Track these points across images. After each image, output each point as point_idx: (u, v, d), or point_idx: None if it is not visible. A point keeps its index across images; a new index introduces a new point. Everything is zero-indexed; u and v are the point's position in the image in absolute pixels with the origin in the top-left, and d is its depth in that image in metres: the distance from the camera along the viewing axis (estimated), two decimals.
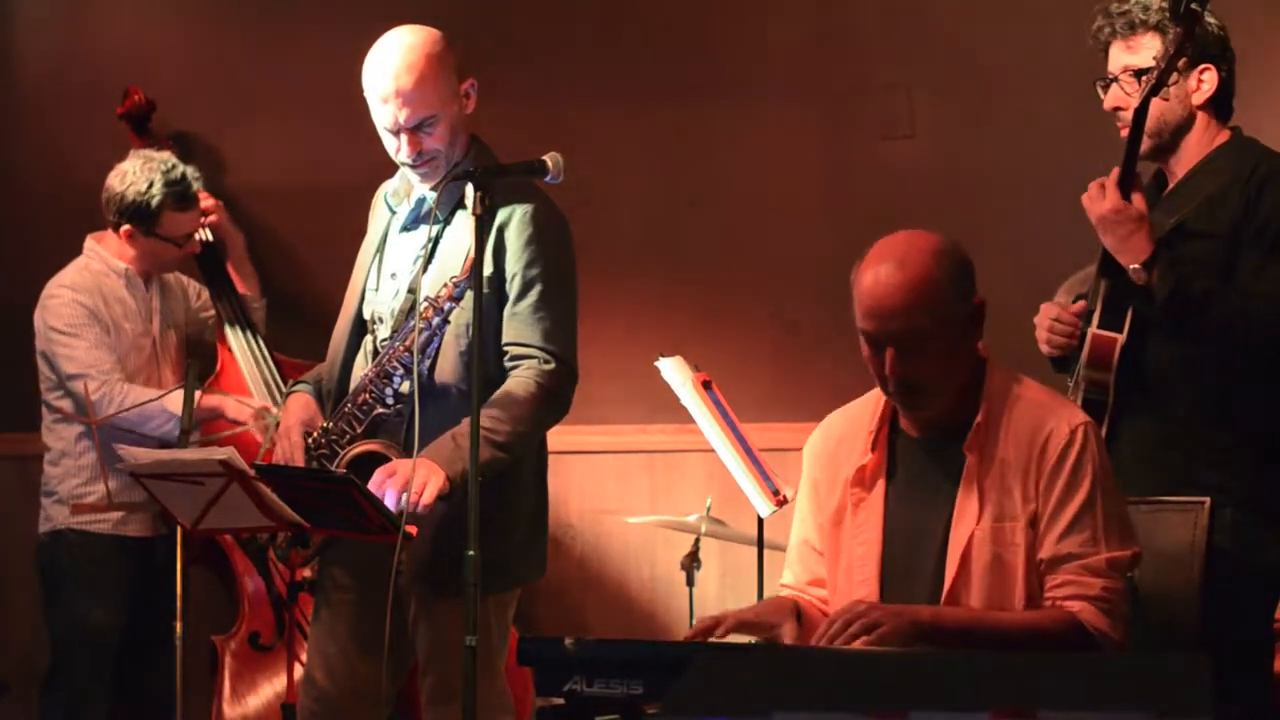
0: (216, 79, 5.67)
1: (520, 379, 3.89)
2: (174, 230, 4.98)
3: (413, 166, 3.99)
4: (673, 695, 2.20)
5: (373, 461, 3.88)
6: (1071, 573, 3.08)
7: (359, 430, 3.95)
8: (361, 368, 4.03)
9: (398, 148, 3.96)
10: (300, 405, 4.07)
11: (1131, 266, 3.58)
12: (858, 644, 2.99)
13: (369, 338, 4.05)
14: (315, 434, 4.00)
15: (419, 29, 3.98)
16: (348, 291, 4.13)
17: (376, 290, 4.07)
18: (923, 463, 3.22)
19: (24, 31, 5.80)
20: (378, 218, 4.15)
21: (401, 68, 3.91)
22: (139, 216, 4.94)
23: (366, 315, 4.07)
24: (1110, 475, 3.16)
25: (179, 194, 4.96)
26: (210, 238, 5.32)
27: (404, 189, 4.08)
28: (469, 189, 3.67)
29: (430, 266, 3.97)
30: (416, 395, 3.81)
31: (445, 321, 3.88)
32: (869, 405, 3.31)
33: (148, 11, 5.80)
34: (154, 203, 4.93)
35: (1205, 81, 3.71)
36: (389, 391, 3.92)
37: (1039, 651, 3.01)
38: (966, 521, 3.13)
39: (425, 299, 3.88)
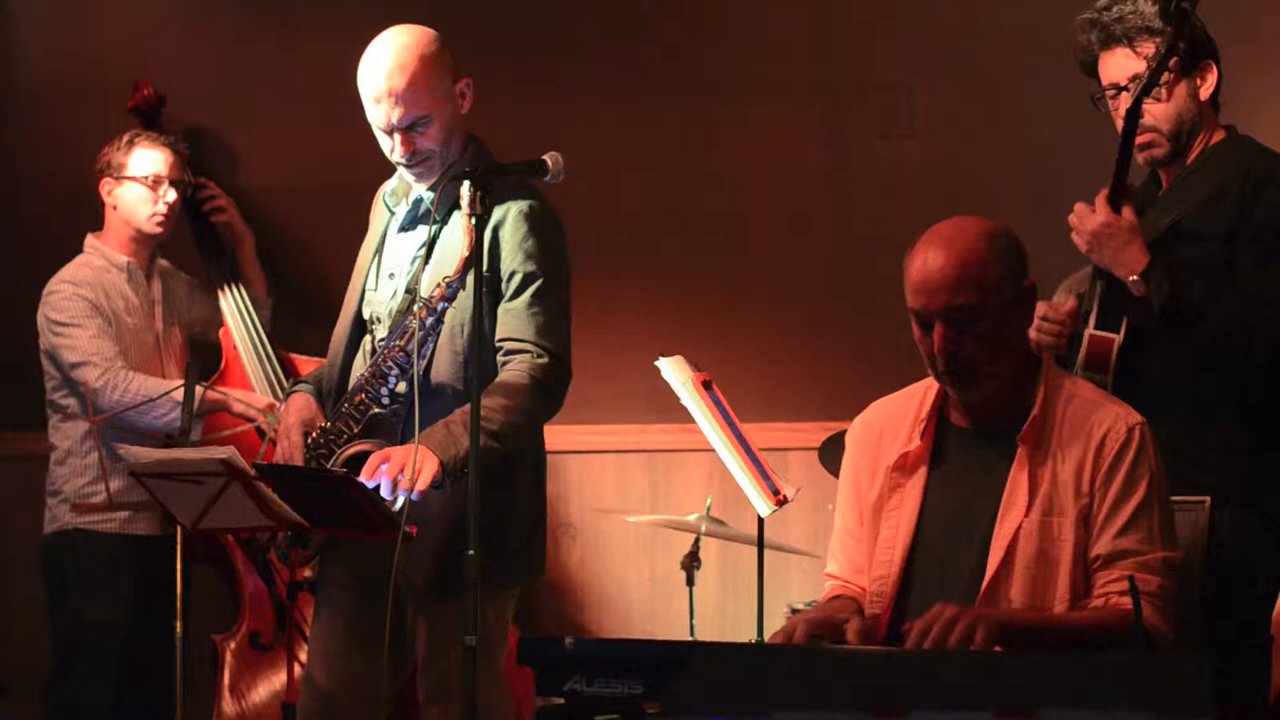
0: (226, 75, 5.66)
1: (514, 371, 3.89)
2: (140, 167, 5.03)
3: (407, 166, 4.00)
4: (673, 695, 2.20)
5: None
6: (1128, 569, 3.09)
7: (356, 430, 3.95)
8: (361, 367, 4.03)
9: (391, 148, 3.97)
10: (300, 405, 4.07)
11: (1130, 279, 3.58)
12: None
13: (368, 338, 4.06)
14: (314, 434, 4.01)
15: (413, 28, 3.99)
16: (348, 291, 4.14)
17: (375, 290, 4.07)
18: (971, 453, 3.25)
19: (26, 28, 5.79)
20: (377, 218, 4.16)
21: (394, 68, 3.92)
22: (113, 163, 5.03)
23: (366, 315, 4.08)
24: (1163, 477, 3.19)
25: (146, 135, 5.09)
26: (192, 178, 5.28)
27: (402, 189, 4.09)
28: (464, 188, 3.67)
29: (429, 266, 3.97)
30: (417, 395, 3.81)
31: (439, 321, 3.88)
32: (915, 395, 3.34)
33: (153, 9, 5.79)
34: (123, 143, 5.05)
35: (1208, 78, 3.71)
36: (384, 391, 3.92)
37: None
38: (1015, 513, 3.16)
39: (419, 299, 3.89)
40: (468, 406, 3.70)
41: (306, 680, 4.07)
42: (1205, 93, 3.72)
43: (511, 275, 3.93)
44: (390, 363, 3.91)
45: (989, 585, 3.14)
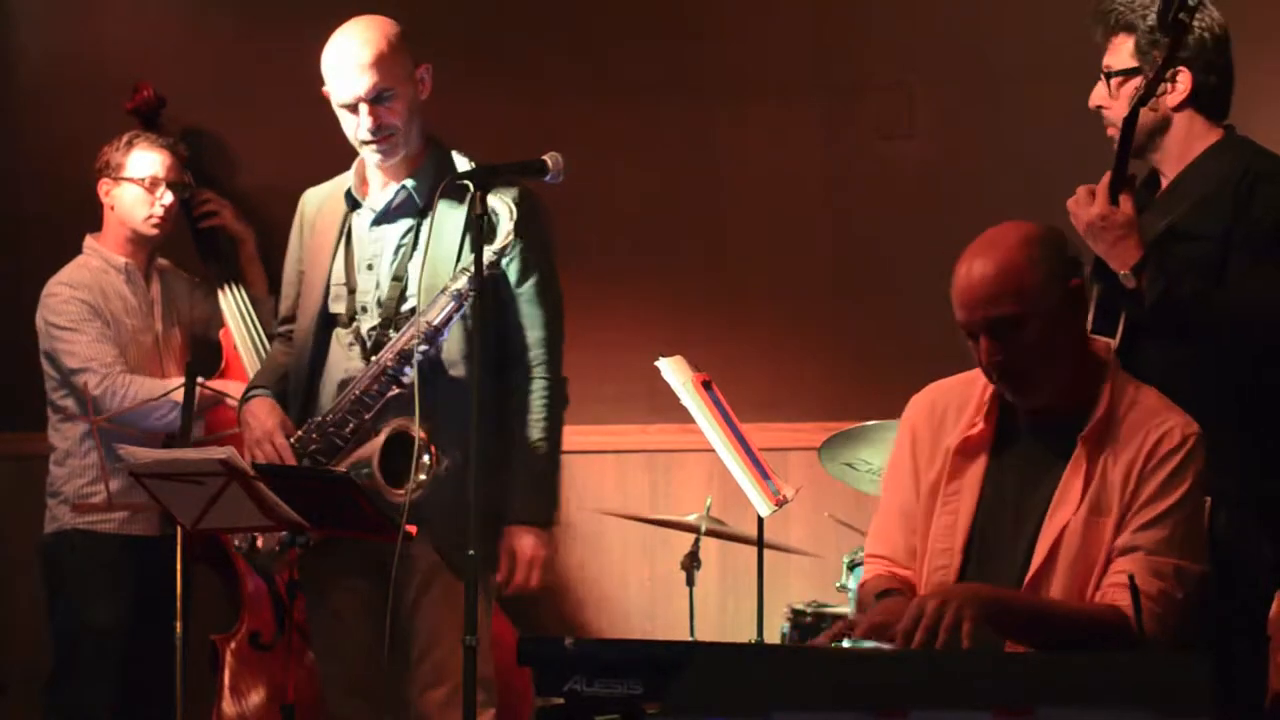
0: (226, 75, 5.64)
1: (536, 422, 4.10)
2: (138, 168, 5.04)
3: (373, 141, 4.09)
4: (673, 695, 2.20)
5: (404, 443, 3.97)
6: (1135, 565, 3.09)
7: (367, 417, 4.02)
8: (343, 361, 4.11)
9: (357, 124, 4.09)
10: (269, 408, 4.15)
11: (1121, 272, 3.59)
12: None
13: (342, 331, 4.14)
14: (302, 432, 4.08)
15: (374, 16, 4.17)
16: (303, 293, 4.21)
17: (347, 284, 4.15)
18: (1031, 445, 3.25)
19: (26, 28, 5.79)
20: (329, 216, 4.22)
21: (360, 42, 4.09)
22: (111, 163, 5.03)
23: (338, 310, 4.15)
24: (1203, 491, 3.19)
25: (145, 136, 5.11)
26: (191, 181, 5.30)
27: (358, 184, 4.18)
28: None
29: (416, 254, 4.07)
30: (417, 383, 3.87)
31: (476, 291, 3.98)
32: (978, 380, 3.32)
33: (153, 9, 5.78)
34: (123, 143, 5.06)
35: (1179, 84, 3.71)
36: (407, 370, 3.99)
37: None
38: (1064, 510, 3.16)
39: (461, 268, 3.99)
40: (536, 464, 4.07)
41: (327, 681, 4.17)
42: (1174, 99, 3.72)
43: (510, 262, 4.07)
44: (417, 339, 3.98)
45: (1031, 580, 3.14)
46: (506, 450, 4.08)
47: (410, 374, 3.98)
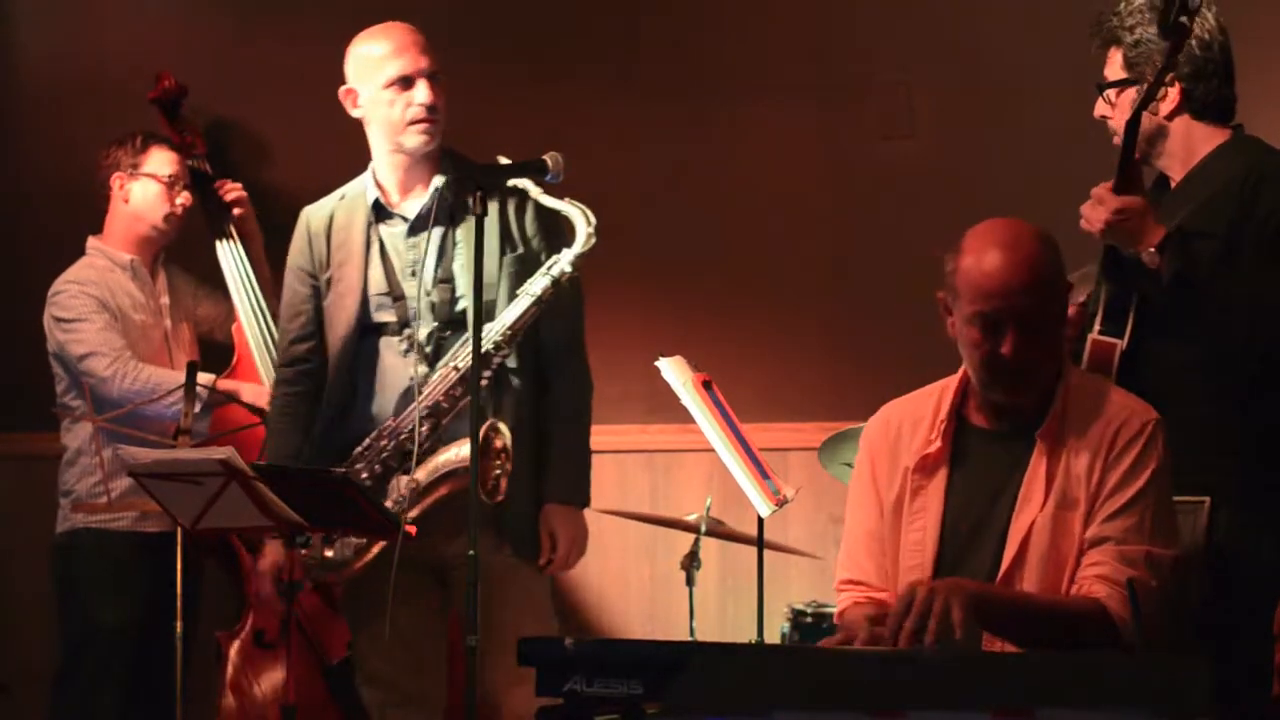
0: (227, 75, 5.65)
1: (571, 407, 4.29)
2: (158, 166, 5.07)
3: (425, 119, 4.11)
4: (673, 695, 2.20)
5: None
6: (1106, 555, 3.11)
7: (444, 422, 4.07)
8: (402, 368, 4.12)
9: (409, 100, 4.10)
10: None
11: (1146, 251, 3.58)
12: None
13: (393, 339, 4.15)
14: (369, 441, 4.10)
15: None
16: (333, 305, 4.20)
17: (391, 292, 4.15)
18: (989, 453, 3.26)
19: (26, 29, 5.79)
20: (349, 229, 4.21)
21: (408, 29, 4.16)
22: (125, 160, 5.06)
23: (386, 319, 4.17)
24: (1169, 476, 3.20)
25: (156, 138, 5.15)
26: (208, 168, 5.35)
27: (371, 196, 4.17)
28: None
29: (459, 255, 4.11)
30: (420, 407, 3.85)
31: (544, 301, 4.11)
32: (932, 396, 3.34)
33: (154, 9, 5.78)
34: (137, 144, 5.08)
35: (1169, 94, 3.72)
36: (486, 373, 4.02)
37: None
38: (1030, 508, 3.17)
39: (542, 270, 4.09)
40: (567, 444, 4.24)
41: (375, 688, 4.23)
42: (1164, 108, 3.73)
43: (541, 254, 4.15)
44: (494, 343, 4.05)
45: (1002, 580, 3.15)
46: (544, 436, 4.19)
47: (490, 373, 4.04)
